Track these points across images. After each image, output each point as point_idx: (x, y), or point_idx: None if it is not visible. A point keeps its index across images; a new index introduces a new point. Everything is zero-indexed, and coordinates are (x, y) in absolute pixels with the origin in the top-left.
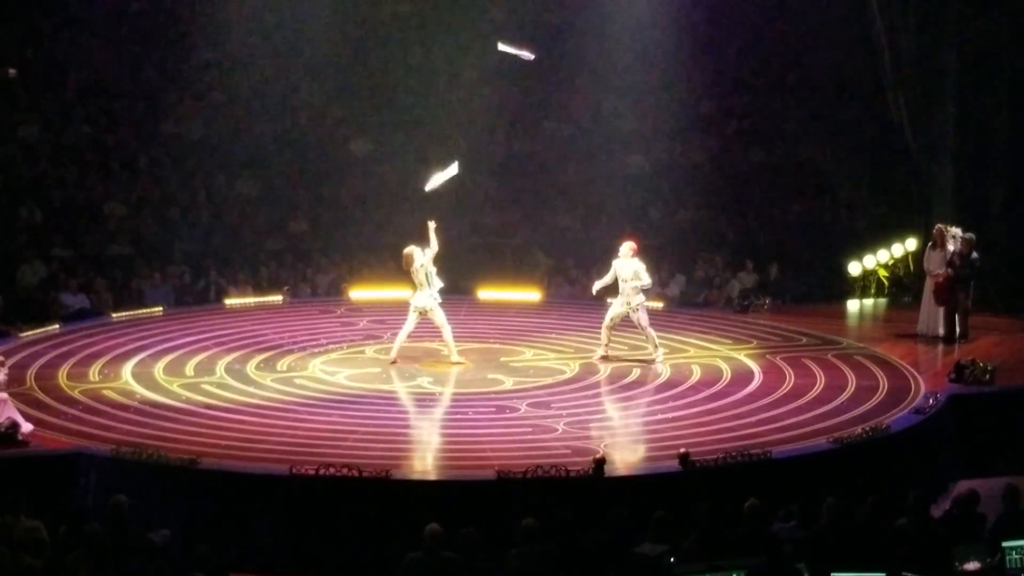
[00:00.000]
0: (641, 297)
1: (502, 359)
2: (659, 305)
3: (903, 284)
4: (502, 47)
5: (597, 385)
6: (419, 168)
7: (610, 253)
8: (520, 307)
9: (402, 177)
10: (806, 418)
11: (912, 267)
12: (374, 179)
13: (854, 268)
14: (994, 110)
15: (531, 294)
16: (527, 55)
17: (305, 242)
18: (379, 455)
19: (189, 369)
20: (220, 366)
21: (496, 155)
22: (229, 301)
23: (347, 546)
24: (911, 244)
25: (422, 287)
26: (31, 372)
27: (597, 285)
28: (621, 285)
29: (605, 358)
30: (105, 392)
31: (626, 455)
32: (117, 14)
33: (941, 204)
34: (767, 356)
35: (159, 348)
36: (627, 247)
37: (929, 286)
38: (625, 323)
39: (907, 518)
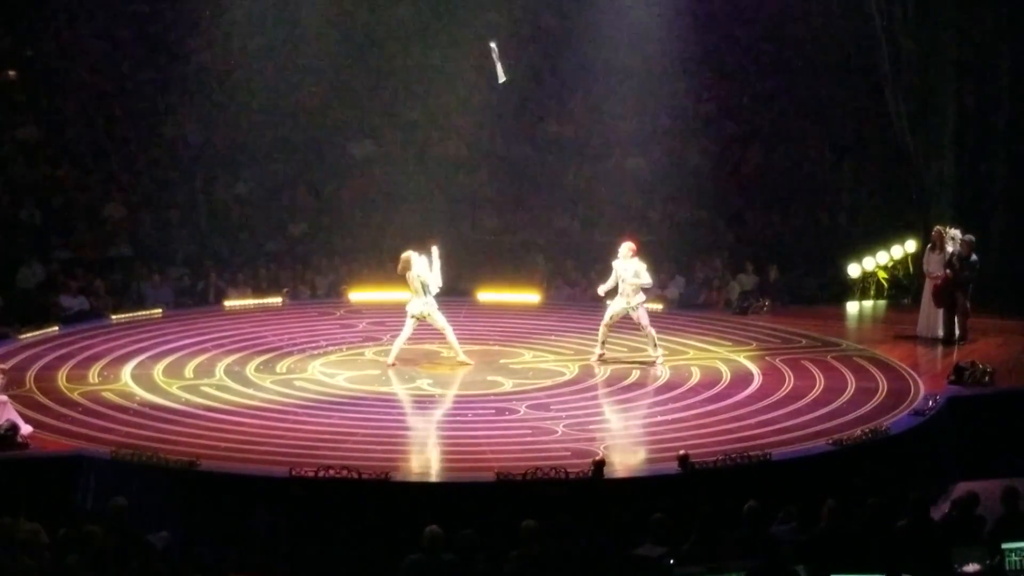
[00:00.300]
0: (642, 296)
1: (501, 361)
2: (659, 307)
3: (902, 286)
4: (493, 48)
5: (596, 387)
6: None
7: (609, 255)
8: (519, 309)
9: (402, 179)
10: (805, 420)
11: (911, 269)
12: (374, 181)
13: (853, 270)
14: (994, 110)
15: (530, 296)
16: (501, 75)
17: (304, 244)
18: (379, 457)
19: (189, 371)
20: (220, 368)
21: (495, 157)
22: (228, 303)
23: (346, 548)
24: (910, 246)
25: (417, 295)
26: (30, 374)
27: (601, 289)
28: (621, 285)
29: (602, 359)
30: (105, 394)
31: (626, 457)
32: (117, 15)
33: (940, 206)
34: (766, 358)
35: (159, 350)
36: (626, 248)
37: (928, 288)
38: (624, 324)
39: (906, 520)
